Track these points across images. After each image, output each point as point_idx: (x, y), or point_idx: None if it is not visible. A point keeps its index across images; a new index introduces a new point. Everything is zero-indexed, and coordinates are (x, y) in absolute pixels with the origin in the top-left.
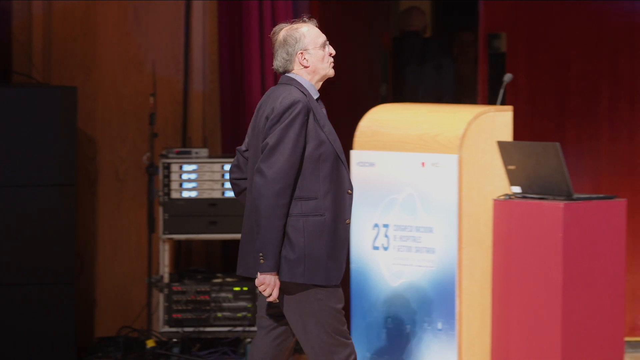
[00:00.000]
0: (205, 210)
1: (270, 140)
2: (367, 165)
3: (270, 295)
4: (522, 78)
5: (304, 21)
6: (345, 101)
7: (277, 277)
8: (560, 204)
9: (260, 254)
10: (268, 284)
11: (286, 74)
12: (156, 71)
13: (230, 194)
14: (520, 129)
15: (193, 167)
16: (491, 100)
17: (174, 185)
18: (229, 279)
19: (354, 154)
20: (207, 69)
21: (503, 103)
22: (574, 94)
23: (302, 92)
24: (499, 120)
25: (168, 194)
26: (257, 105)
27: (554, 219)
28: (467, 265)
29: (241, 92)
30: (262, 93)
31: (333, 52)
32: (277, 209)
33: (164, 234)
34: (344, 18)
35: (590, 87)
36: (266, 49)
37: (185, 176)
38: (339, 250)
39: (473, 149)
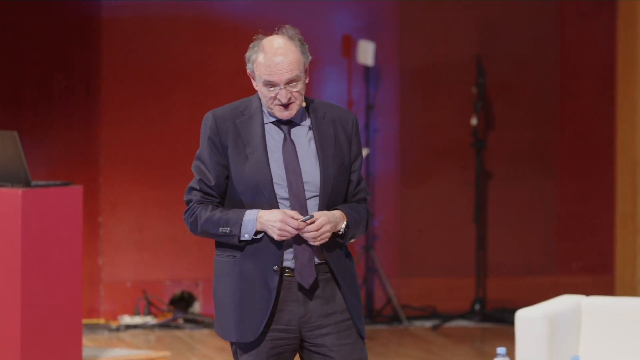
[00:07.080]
0: None
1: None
2: None
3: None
4: None
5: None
6: None
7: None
8: (19, 191)
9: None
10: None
11: None
12: None
13: None
14: None
15: None
16: None
17: None
18: None
19: None
20: None
21: None
22: (28, 83)
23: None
24: None
25: None
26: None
27: (13, 206)
28: None
29: None
30: None
31: (283, 100)
32: None
33: None
34: None
35: (45, 77)
36: None
37: None
38: None
39: None
